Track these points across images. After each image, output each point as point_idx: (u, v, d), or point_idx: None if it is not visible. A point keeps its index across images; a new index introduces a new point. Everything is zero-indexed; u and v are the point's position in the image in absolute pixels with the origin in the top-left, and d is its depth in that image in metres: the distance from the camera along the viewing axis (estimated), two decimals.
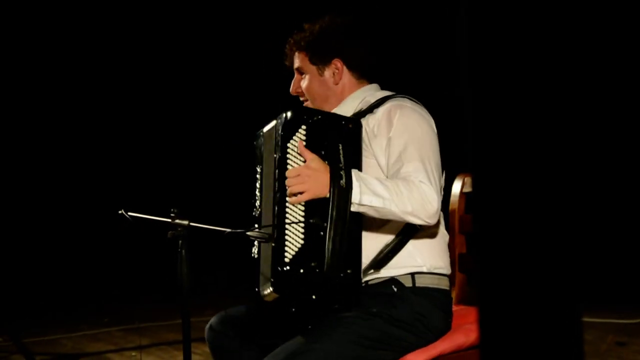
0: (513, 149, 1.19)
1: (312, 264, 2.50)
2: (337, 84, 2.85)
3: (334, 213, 2.51)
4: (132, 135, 8.02)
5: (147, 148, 8.06)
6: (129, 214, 2.56)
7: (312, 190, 2.52)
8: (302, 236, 2.53)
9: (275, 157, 2.59)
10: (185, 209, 2.53)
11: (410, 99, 2.77)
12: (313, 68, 2.87)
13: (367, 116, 2.75)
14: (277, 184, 2.57)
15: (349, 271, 2.52)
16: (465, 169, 2.98)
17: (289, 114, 2.61)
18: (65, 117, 7.88)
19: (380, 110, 2.72)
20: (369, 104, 2.78)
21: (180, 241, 2.52)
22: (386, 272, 2.67)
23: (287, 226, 2.54)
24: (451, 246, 3.02)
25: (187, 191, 7.62)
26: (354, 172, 2.54)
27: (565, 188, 1.19)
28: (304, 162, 2.55)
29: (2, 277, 6.96)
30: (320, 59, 2.85)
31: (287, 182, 2.53)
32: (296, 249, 2.52)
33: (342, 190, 2.50)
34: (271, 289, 2.55)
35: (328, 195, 2.51)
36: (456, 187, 3.08)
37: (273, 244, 2.55)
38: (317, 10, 2.95)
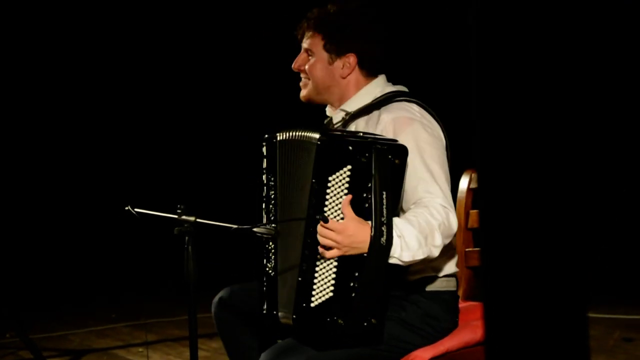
0: (518, 144, 1.19)
1: (337, 318, 2.46)
2: (344, 77, 2.76)
3: (370, 270, 2.42)
4: (140, 132, 8.02)
5: (154, 145, 8.06)
6: (136, 210, 2.56)
7: (348, 251, 2.42)
8: (332, 281, 2.47)
9: (312, 182, 2.51)
10: (192, 206, 2.52)
11: (418, 104, 2.70)
12: (325, 54, 2.76)
13: (373, 112, 2.73)
14: (311, 212, 2.50)
15: (373, 321, 2.46)
16: (473, 164, 2.97)
17: (332, 142, 2.49)
18: (75, 115, 7.88)
19: (387, 117, 2.64)
20: (376, 97, 2.74)
21: (186, 237, 2.52)
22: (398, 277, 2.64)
23: (318, 263, 2.49)
24: (458, 242, 3.02)
25: (194, 187, 7.61)
26: (395, 226, 2.41)
27: (571, 183, 1.19)
28: (344, 194, 2.45)
29: (9, 273, 6.97)
30: (335, 49, 2.75)
31: (322, 232, 2.43)
32: (324, 292, 2.48)
33: (381, 248, 2.39)
34: (290, 322, 2.56)
35: (366, 254, 2.41)
36: (463, 183, 3.06)
37: (300, 278, 2.51)
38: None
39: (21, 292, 6.83)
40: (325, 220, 2.45)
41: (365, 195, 2.42)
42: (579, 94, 1.18)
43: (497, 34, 1.19)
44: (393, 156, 2.43)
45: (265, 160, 2.68)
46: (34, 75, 7.69)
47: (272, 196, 2.66)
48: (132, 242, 7.03)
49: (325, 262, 2.48)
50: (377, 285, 2.44)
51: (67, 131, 7.89)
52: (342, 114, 2.77)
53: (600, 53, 6.40)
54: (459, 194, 3.06)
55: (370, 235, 2.38)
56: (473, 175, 3.03)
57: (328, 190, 2.46)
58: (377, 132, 2.61)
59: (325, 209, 2.46)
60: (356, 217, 2.41)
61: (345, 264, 2.45)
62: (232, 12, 7.92)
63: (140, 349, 5.24)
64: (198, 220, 2.51)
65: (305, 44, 2.81)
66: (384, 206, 2.39)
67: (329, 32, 2.76)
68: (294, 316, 2.51)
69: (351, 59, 2.75)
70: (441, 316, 2.65)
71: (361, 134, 2.58)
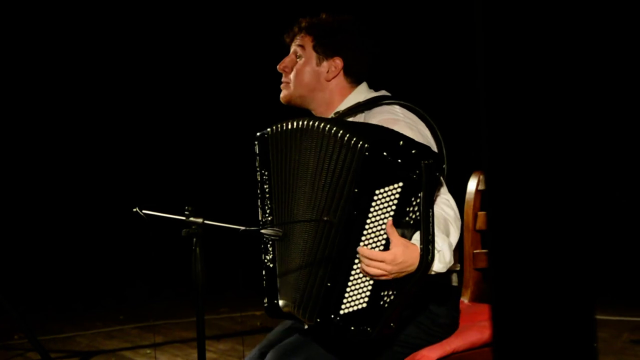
0: (526, 146, 1.19)
1: (366, 327, 2.44)
2: (328, 80, 2.79)
3: (411, 285, 2.40)
4: (148, 133, 8.03)
5: (162, 146, 8.07)
6: (144, 211, 2.57)
7: (396, 276, 2.39)
8: (367, 292, 2.44)
9: (354, 191, 2.40)
10: (200, 207, 2.53)
11: (401, 105, 2.71)
12: (313, 54, 2.80)
13: (357, 115, 2.74)
14: (343, 216, 2.44)
15: (392, 325, 2.46)
16: (481, 166, 2.97)
17: (383, 153, 2.37)
18: (85, 116, 7.90)
19: (373, 121, 2.65)
20: (358, 102, 2.77)
21: (194, 239, 2.52)
22: None
23: (354, 274, 2.45)
24: (466, 244, 3.02)
25: (202, 189, 7.63)
26: (436, 242, 2.40)
27: (579, 184, 1.19)
28: (391, 209, 2.39)
29: (17, 275, 6.99)
30: (324, 50, 2.79)
31: (370, 264, 2.38)
32: (357, 303, 2.45)
33: (427, 266, 2.37)
34: (310, 324, 2.54)
35: (411, 273, 2.39)
36: (471, 184, 3.06)
37: (329, 283, 2.47)
38: (319, 10, 2.91)
39: (29, 294, 6.85)
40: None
41: (408, 209, 2.39)
42: (587, 93, 1.18)
43: (504, 35, 1.19)
44: (438, 172, 2.42)
45: (257, 157, 2.69)
46: (41, 75, 7.71)
47: (267, 190, 2.67)
48: (139, 244, 7.04)
49: (364, 277, 2.44)
50: (410, 296, 2.44)
51: (75, 133, 7.91)
52: (331, 116, 2.80)
53: (608, 53, 6.39)
54: (467, 196, 3.06)
55: (420, 256, 2.36)
56: (481, 177, 3.03)
57: (373, 203, 2.39)
58: None
59: (368, 220, 2.40)
60: (402, 240, 2.37)
61: (387, 280, 2.42)
62: (233, 14, 7.93)
63: (148, 351, 5.25)
64: (206, 221, 2.51)
65: (294, 45, 2.85)
66: (430, 224, 2.36)
67: (319, 33, 2.81)
68: (318, 320, 2.49)
69: (338, 62, 2.78)
70: (439, 309, 2.66)
71: (396, 132, 2.50)
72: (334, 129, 2.48)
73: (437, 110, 2.78)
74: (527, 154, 1.19)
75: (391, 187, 2.37)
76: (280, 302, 2.66)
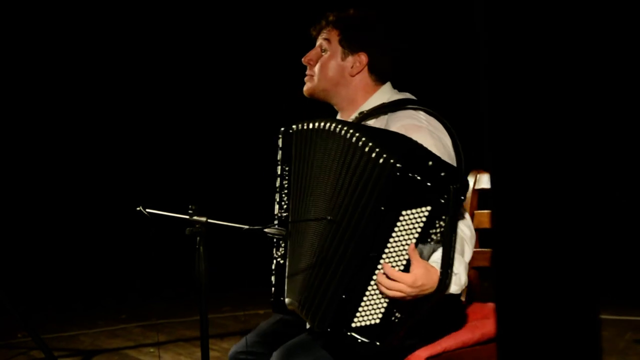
0: (530, 146, 1.19)
1: (376, 341, 2.44)
2: (353, 75, 2.78)
3: (427, 306, 2.41)
4: (152, 132, 8.03)
5: (165, 145, 8.08)
6: (147, 210, 2.57)
7: (414, 297, 2.39)
8: (382, 309, 2.43)
9: (380, 209, 2.38)
10: (204, 206, 2.53)
11: (425, 112, 2.69)
12: (339, 48, 2.79)
13: (380, 117, 2.74)
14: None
15: (400, 335, 2.46)
16: (478, 165, 2.97)
17: (411, 175, 2.34)
18: (87, 115, 7.90)
19: (395, 124, 2.64)
20: (382, 103, 2.76)
21: (198, 238, 2.52)
22: None
23: (370, 289, 2.44)
24: None
25: (206, 188, 7.63)
26: (455, 265, 2.41)
27: (583, 183, 1.19)
28: (416, 232, 2.38)
29: (21, 274, 6.99)
30: (349, 45, 2.78)
31: (389, 285, 2.37)
32: (371, 317, 2.44)
33: (444, 288, 2.39)
34: (317, 330, 2.53)
35: (429, 295, 2.40)
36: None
37: (344, 295, 2.45)
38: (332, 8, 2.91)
39: (32, 292, 6.85)
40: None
41: (431, 232, 2.39)
42: (592, 93, 1.18)
43: (507, 36, 1.19)
44: (463, 195, 2.40)
45: (280, 151, 2.68)
46: (43, 74, 7.71)
47: (285, 185, 2.66)
48: (144, 243, 7.04)
49: (380, 295, 2.43)
50: (423, 314, 2.44)
51: (77, 133, 7.91)
52: (355, 116, 2.78)
53: (612, 53, 6.39)
54: None
55: (439, 280, 2.37)
56: (478, 175, 3.03)
57: (399, 223, 2.38)
58: None
59: (391, 239, 2.39)
60: (422, 262, 2.37)
61: (404, 301, 2.42)
62: (237, 17, 7.93)
63: (152, 350, 5.25)
64: (209, 220, 2.51)
65: (320, 38, 2.84)
66: (452, 249, 2.37)
67: (346, 27, 2.79)
68: (329, 330, 2.49)
69: (363, 58, 2.77)
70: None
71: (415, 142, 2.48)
72: (363, 139, 2.45)
73: (436, 110, 2.77)
74: (531, 153, 1.19)
75: (419, 209, 2.36)
76: (287, 300, 2.67)
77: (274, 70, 7.59)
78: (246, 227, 2.50)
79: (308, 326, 2.64)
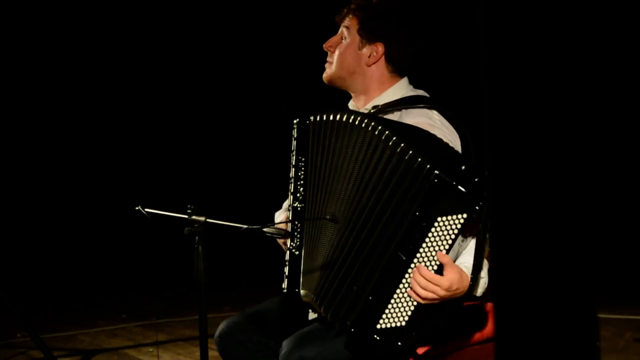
0: (531, 145, 1.19)
1: (398, 341, 2.43)
2: (369, 65, 2.77)
3: (453, 309, 2.42)
4: (150, 131, 8.03)
5: (164, 145, 8.08)
6: (146, 210, 2.56)
7: (444, 299, 2.39)
8: (409, 312, 2.42)
9: (415, 213, 2.36)
10: (202, 206, 2.52)
11: (440, 112, 2.70)
12: (357, 37, 2.78)
13: (395, 112, 2.73)
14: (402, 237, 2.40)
15: (414, 333, 2.46)
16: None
17: (452, 180, 2.31)
18: (85, 114, 7.90)
19: (408, 120, 2.64)
20: (397, 98, 2.76)
21: (197, 237, 2.52)
22: None
23: (399, 292, 2.43)
24: None
25: (204, 187, 7.62)
26: (483, 271, 2.42)
27: (582, 183, 1.19)
28: (451, 238, 2.36)
29: (20, 273, 6.99)
30: (367, 34, 2.77)
31: (425, 286, 2.36)
32: (396, 320, 2.43)
33: (471, 292, 2.41)
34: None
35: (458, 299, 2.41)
36: None
37: (370, 297, 2.44)
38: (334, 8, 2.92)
39: (32, 292, 6.85)
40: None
41: (463, 238, 2.40)
42: (591, 95, 1.18)
43: (507, 37, 1.19)
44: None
45: (295, 141, 2.67)
46: (43, 74, 7.71)
47: (301, 176, 2.65)
48: (143, 242, 7.04)
49: (409, 298, 2.43)
50: (448, 316, 2.44)
51: (77, 133, 7.91)
52: (369, 108, 2.78)
53: (611, 56, 6.39)
54: None
55: (469, 285, 2.38)
56: None
57: (433, 229, 2.36)
58: None
59: (424, 244, 2.37)
60: (456, 267, 2.38)
61: (432, 304, 2.41)
62: (236, 17, 7.93)
63: (151, 349, 5.25)
64: (208, 220, 2.51)
65: (342, 26, 2.84)
66: (483, 254, 2.38)
67: (365, 17, 2.79)
68: (352, 330, 2.47)
69: (380, 48, 2.76)
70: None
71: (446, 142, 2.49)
72: (393, 138, 2.44)
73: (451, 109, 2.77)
74: (530, 153, 1.19)
75: (455, 216, 2.34)
76: (302, 292, 2.64)
77: (274, 70, 7.59)
78: (245, 226, 2.50)
79: (310, 316, 2.63)
